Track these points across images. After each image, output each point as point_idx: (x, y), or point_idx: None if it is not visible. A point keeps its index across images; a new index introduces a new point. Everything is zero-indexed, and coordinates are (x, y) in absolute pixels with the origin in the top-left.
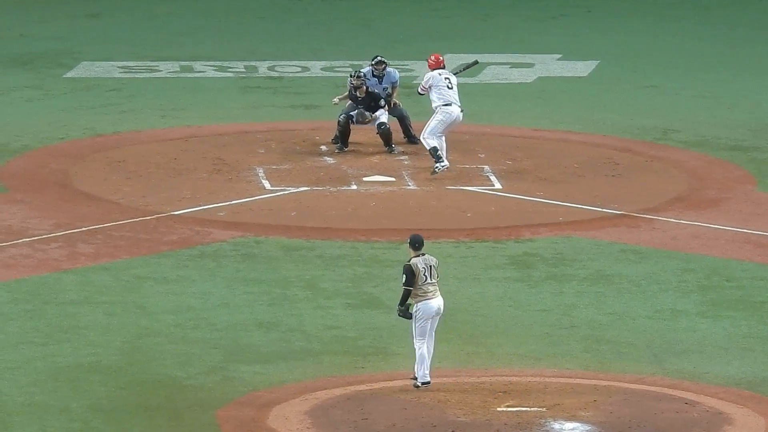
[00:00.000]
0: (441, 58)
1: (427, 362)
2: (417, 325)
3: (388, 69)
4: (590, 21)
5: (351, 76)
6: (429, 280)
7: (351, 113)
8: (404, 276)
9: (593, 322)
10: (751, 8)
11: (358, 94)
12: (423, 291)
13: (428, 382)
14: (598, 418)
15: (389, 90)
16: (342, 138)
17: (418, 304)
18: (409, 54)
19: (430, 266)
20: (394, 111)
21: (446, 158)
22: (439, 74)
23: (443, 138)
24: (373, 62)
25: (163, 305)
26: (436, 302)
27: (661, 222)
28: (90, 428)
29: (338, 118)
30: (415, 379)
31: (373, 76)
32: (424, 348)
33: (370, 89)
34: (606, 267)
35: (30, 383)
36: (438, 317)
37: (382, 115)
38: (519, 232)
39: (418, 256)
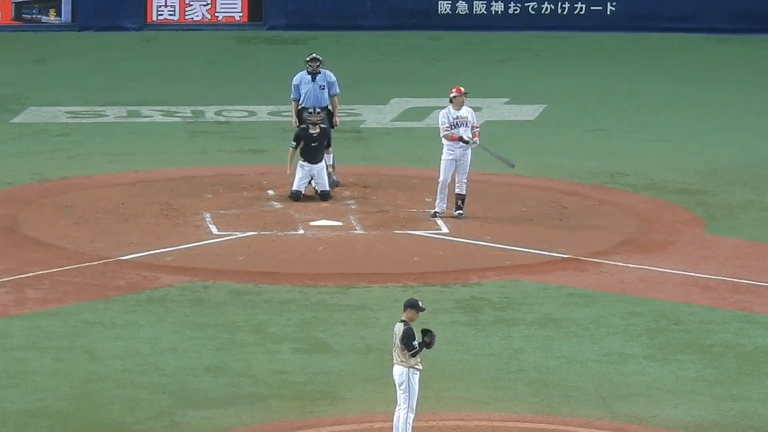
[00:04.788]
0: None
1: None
2: None
3: (323, 70)
4: (538, 65)
5: (308, 112)
6: (392, 345)
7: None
8: None
9: (541, 365)
10: (700, 51)
11: (311, 131)
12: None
13: None
14: None
15: (326, 89)
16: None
17: None
18: (358, 98)
19: (394, 333)
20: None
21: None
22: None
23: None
24: (307, 59)
25: (111, 350)
26: (394, 369)
27: (608, 266)
28: None
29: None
30: None
31: (308, 73)
32: (397, 414)
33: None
34: (554, 311)
35: None
36: (398, 387)
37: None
38: (466, 276)
39: (402, 321)
